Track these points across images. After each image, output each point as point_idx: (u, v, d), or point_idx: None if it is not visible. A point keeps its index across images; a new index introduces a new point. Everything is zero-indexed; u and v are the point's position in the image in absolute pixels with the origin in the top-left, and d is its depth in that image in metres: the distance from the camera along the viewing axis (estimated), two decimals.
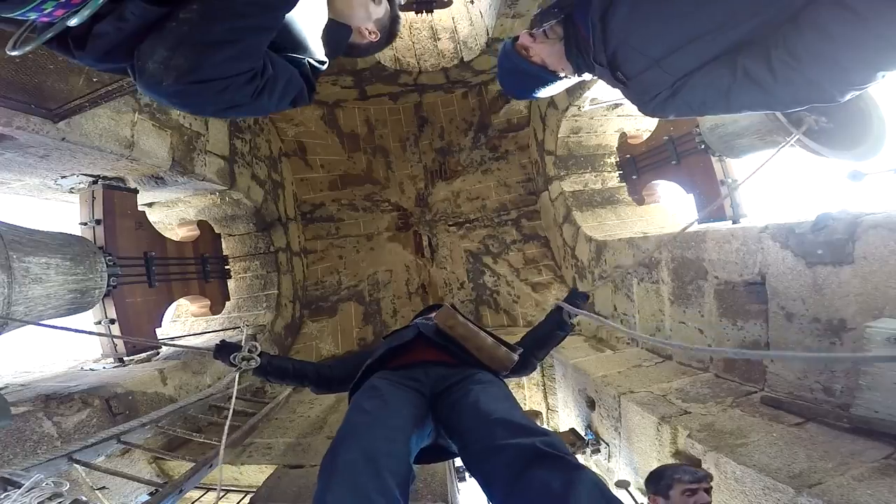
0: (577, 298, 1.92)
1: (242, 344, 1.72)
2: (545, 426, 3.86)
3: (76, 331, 1.39)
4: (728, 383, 2.45)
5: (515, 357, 1.78)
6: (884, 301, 1.81)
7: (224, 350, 1.70)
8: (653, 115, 1.37)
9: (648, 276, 3.17)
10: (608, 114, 4.07)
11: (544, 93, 1.65)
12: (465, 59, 4.17)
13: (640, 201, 4.13)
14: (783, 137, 2.72)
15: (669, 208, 4.16)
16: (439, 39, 4.11)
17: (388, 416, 1.38)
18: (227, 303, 3.88)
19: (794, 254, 2.16)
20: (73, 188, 2.85)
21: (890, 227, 1.79)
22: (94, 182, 2.86)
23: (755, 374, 2.36)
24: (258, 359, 1.71)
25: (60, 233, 2.49)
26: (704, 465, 1.89)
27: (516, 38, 1.52)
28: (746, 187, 3.26)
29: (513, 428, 1.26)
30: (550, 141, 4.25)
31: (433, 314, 2.03)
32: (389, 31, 1.28)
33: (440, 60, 4.20)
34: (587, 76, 1.51)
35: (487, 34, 3.82)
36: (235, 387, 1.62)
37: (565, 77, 1.54)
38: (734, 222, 2.96)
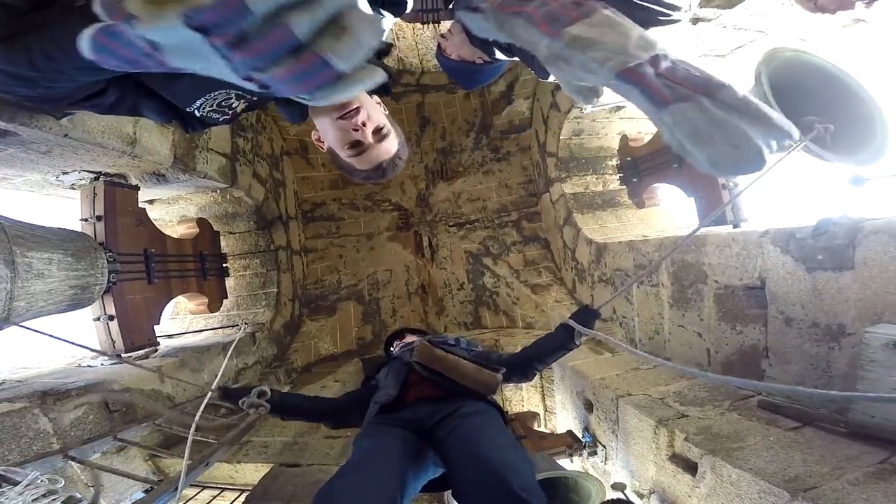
0: (590, 317, 1.92)
1: (252, 388, 1.80)
2: (542, 428, 3.86)
3: (66, 341, 1.39)
4: (726, 387, 2.45)
5: (499, 377, 1.83)
6: (883, 307, 1.81)
7: (231, 396, 1.79)
8: None
9: (648, 279, 3.17)
10: (610, 116, 4.06)
11: (486, 80, 1.84)
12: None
13: (641, 204, 4.12)
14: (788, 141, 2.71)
15: (669, 212, 4.16)
16: None
17: (380, 456, 1.47)
18: (226, 300, 3.88)
19: (795, 259, 2.16)
20: (74, 184, 2.86)
21: (891, 232, 1.79)
22: (96, 178, 2.86)
23: (753, 377, 2.35)
24: (266, 405, 1.80)
25: (62, 228, 2.50)
26: (701, 469, 1.89)
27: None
28: (747, 191, 3.26)
29: (487, 469, 1.33)
30: (552, 142, 4.24)
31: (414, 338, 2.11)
32: (374, 172, 1.24)
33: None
34: (503, 57, 1.58)
35: None
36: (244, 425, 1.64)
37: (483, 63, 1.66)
38: (735, 226, 2.96)
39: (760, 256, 2.33)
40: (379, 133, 1.16)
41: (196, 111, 1.01)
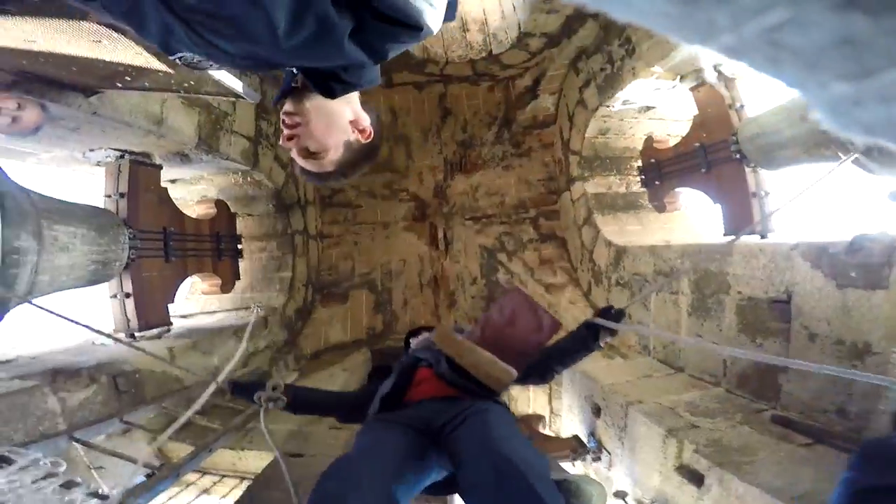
0: (615, 318, 1.86)
1: (266, 383, 1.75)
2: (546, 430, 3.82)
3: (79, 324, 1.39)
4: (739, 399, 2.38)
5: (514, 372, 1.75)
6: None
7: (243, 389, 1.75)
8: None
9: (667, 284, 3.08)
10: (639, 116, 3.96)
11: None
12: (493, 52, 4.08)
13: (661, 208, 4.01)
14: (831, 151, 2.64)
15: (693, 217, 4.03)
16: (468, 31, 4.02)
17: (379, 451, 1.44)
18: (240, 282, 3.92)
19: (825, 274, 2.07)
20: (100, 161, 2.89)
21: None
22: (121, 156, 2.89)
23: (769, 391, 2.28)
24: (283, 398, 1.74)
25: (87, 204, 2.55)
26: (708, 481, 1.84)
27: None
28: (776, 200, 3.15)
29: (502, 462, 1.29)
30: (577, 140, 4.15)
31: (429, 334, 2.07)
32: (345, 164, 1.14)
33: (468, 52, 4.11)
34: None
35: (519, 28, 3.73)
36: (264, 426, 1.63)
37: None
38: (762, 237, 2.86)
39: (789, 270, 2.25)
40: (307, 152, 1.08)
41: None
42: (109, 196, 2.86)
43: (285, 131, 1.05)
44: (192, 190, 3.87)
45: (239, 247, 3.95)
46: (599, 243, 3.90)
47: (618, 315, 1.88)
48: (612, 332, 1.86)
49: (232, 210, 3.95)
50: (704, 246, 2.96)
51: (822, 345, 2.07)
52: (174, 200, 3.39)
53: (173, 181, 3.66)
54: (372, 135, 1.16)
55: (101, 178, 2.94)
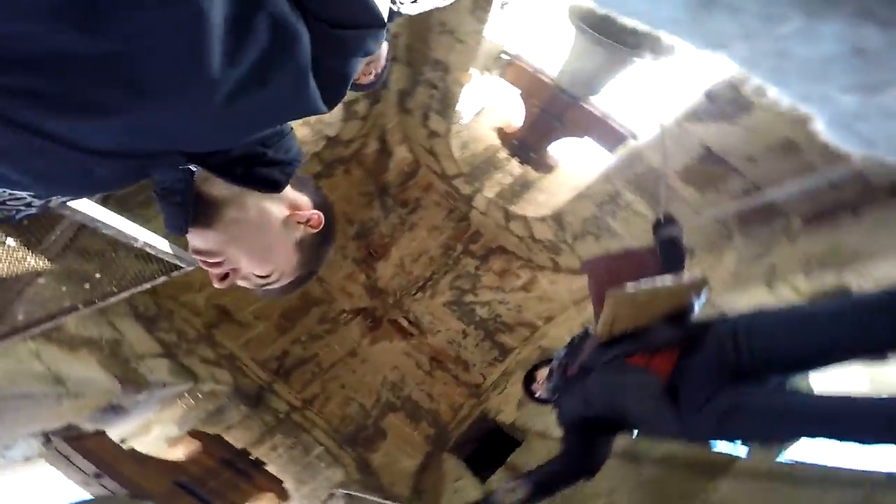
0: (668, 225, 1.74)
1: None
2: None
3: None
4: (760, 230, 2.70)
5: (698, 273, 1.72)
6: None
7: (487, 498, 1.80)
8: None
9: (616, 206, 3.48)
10: (477, 119, 4.46)
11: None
12: (331, 137, 4.13)
13: (550, 170, 4.57)
14: (627, 57, 3.41)
15: (573, 162, 4.63)
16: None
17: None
18: (287, 484, 3.39)
19: (713, 121, 2.54)
20: (27, 457, 2.28)
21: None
22: (47, 441, 2.32)
23: (768, 208, 2.59)
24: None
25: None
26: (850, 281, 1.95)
27: None
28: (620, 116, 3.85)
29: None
30: (451, 165, 4.47)
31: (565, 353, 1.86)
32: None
33: (308, 147, 4.08)
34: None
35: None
36: None
37: None
38: (633, 138, 3.51)
39: (687, 134, 2.70)
40: (257, 279, 0.80)
41: None
42: (86, 483, 2.41)
43: (211, 271, 0.75)
44: (147, 442, 3.18)
45: (251, 457, 3.42)
46: (533, 224, 4.22)
47: (669, 220, 1.77)
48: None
49: (210, 433, 3.39)
50: (618, 162, 3.40)
51: (763, 158, 2.52)
52: (149, 456, 2.85)
53: (121, 441, 2.96)
54: (322, 217, 0.83)
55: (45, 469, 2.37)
